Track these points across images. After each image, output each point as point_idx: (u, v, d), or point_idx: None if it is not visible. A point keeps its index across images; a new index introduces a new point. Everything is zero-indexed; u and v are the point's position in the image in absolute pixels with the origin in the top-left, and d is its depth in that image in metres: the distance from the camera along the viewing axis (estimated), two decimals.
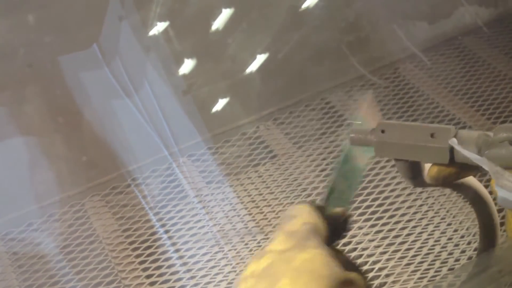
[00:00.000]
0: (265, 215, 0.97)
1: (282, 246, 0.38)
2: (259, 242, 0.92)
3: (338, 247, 0.41)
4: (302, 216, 0.40)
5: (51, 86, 0.97)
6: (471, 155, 0.35)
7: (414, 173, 0.45)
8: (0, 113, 0.94)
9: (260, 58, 1.10)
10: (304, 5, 1.13)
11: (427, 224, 0.93)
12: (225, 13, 1.06)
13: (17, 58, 0.93)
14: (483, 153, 0.38)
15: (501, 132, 0.38)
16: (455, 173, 0.42)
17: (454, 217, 0.94)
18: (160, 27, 1.03)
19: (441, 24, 1.23)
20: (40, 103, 0.98)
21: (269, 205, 0.98)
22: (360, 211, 0.96)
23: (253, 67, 1.11)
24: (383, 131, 0.42)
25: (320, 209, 0.41)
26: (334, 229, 0.42)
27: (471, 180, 0.58)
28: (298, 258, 0.37)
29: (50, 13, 0.93)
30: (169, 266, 0.91)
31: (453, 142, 0.38)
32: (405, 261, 0.88)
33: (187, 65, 1.07)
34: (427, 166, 0.49)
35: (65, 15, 0.94)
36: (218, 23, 1.06)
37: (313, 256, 0.37)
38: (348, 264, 0.39)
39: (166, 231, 0.96)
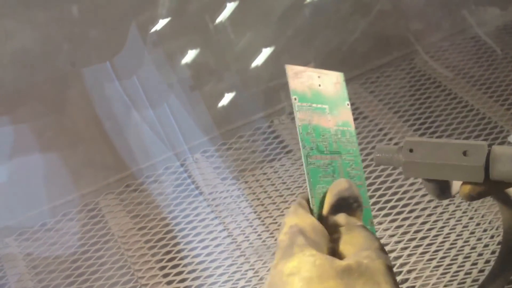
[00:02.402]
0: (282, 212, 0.95)
1: (275, 261, 0.37)
2: (276, 239, 0.90)
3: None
4: (288, 220, 0.38)
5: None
6: None
7: (442, 190, 0.44)
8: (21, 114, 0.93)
9: (266, 52, 1.08)
10: None
11: (449, 218, 0.91)
12: (230, 8, 1.04)
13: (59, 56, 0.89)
14: None
15: None
16: (489, 190, 0.40)
17: (476, 210, 0.92)
18: (164, 22, 1.01)
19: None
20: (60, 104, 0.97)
21: (286, 201, 0.97)
22: (379, 205, 0.94)
23: (259, 60, 1.09)
24: (411, 150, 0.40)
25: (315, 200, 0.39)
26: (346, 206, 0.39)
27: None
28: (286, 269, 0.35)
29: (94, 4, 0.89)
30: (185, 265, 0.90)
31: None
32: (427, 256, 0.86)
33: (193, 60, 1.05)
34: (455, 182, 0.46)
35: (109, 6, 0.91)
36: (223, 18, 1.04)
37: (298, 263, 0.35)
38: (356, 244, 0.37)
39: (182, 229, 0.95)
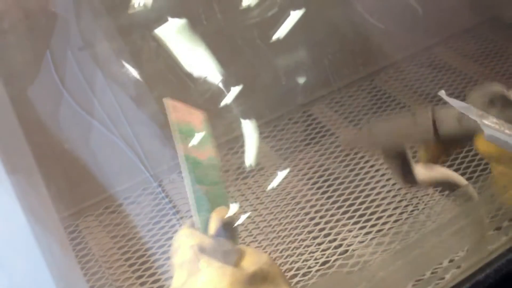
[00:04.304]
0: (257, 224, 1.00)
1: (180, 282, 0.40)
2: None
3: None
4: (184, 242, 0.42)
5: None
6: (456, 103, 0.39)
7: (404, 167, 0.49)
8: None
9: (236, 89, 1.13)
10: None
11: (413, 223, 0.96)
12: (196, 45, 1.08)
13: None
14: (463, 124, 0.42)
15: (474, 97, 0.42)
16: (443, 149, 0.45)
17: (438, 215, 0.97)
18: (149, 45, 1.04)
19: None
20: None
21: (260, 215, 1.01)
22: (348, 214, 0.99)
23: (233, 93, 1.14)
24: (370, 129, 0.46)
25: (201, 225, 0.44)
26: (226, 231, 0.44)
27: (456, 177, 0.62)
28: (196, 285, 0.38)
29: None
30: (166, 279, 0.93)
31: (442, 93, 0.42)
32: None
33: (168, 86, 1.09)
34: (418, 169, 0.52)
35: None
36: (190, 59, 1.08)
37: (209, 276, 0.38)
38: (251, 256, 0.41)
39: (161, 246, 0.98)
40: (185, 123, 0.47)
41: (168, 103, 0.46)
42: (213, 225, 0.44)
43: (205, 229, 0.45)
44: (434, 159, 0.48)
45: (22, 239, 0.47)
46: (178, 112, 0.46)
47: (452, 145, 0.47)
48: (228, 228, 0.45)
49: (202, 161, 0.47)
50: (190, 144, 0.46)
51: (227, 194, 0.48)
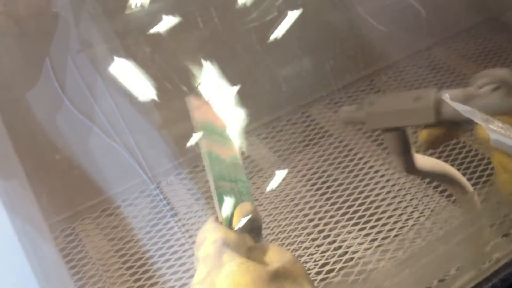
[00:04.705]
0: None
1: (202, 275, 0.39)
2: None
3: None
4: (209, 236, 0.41)
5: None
6: (460, 107, 0.38)
7: (403, 147, 0.48)
8: None
9: (233, 91, 1.12)
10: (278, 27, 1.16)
11: (413, 225, 0.96)
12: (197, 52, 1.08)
13: None
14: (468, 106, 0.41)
15: (479, 80, 0.41)
16: (444, 133, 0.44)
17: (437, 215, 0.97)
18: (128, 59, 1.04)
19: None
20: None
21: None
22: (347, 216, 0.98)
23: (231, 94, 1.13)
24: (372, 103, 0.45)
25: (225, 220, 0.43)
26: (250, 227, 0.44)
27: (455, 173, 0.61)
28: (218, 279, 0.38)
29: None
30: (164, 282, 0.92)
31: (446, 97, 0.41)
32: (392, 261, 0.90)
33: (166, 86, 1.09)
34: (419, 158, 0.51)
35: None
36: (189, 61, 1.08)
37: (231, 270, 0.38)
38: (274, 253, 0.40)
39: (159, 249, 0.97)
40: (208, 121, 0.46)
41: (191, 101, 0.46)
42: (237, 220, 0.44)
43: (228, 225, 0.44)
44: (435, 143, 0.45)
45: (8, 249, 0.46)
46: (201, 110, 0.46)
47: (455, 130, 0.44)
48: (251, 224, 0.44)
49: (225, 158, 0.46)
50: (213, 142, 0.46)
51: (251, 191, 0.48)
